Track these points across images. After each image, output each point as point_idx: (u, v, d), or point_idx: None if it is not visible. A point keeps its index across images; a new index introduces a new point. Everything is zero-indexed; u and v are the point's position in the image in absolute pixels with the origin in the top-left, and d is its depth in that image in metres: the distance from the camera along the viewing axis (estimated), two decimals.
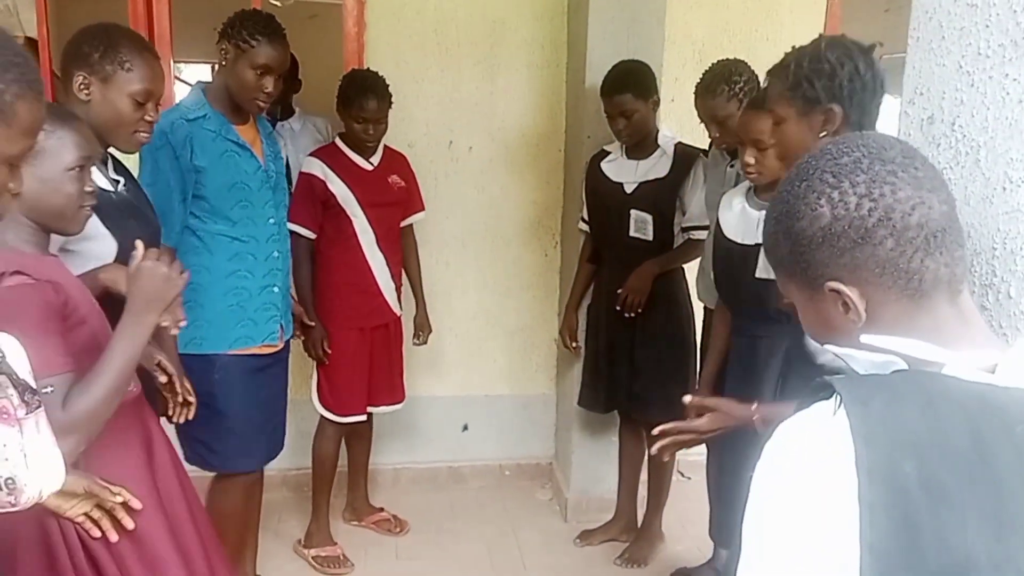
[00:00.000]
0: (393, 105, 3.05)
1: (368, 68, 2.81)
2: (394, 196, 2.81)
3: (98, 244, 1.64)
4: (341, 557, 2.83)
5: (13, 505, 1.12)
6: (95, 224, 1.60)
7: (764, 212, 1.90)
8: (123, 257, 1.64)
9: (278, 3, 5.58)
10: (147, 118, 1.73)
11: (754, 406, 1.67)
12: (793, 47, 1.54)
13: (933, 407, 0.73)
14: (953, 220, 0.80)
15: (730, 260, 2.11)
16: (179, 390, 1.73)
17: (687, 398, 1.71)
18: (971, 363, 0.77)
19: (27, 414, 1.10)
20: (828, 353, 1.21)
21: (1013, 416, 0.72)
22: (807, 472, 0.74)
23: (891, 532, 0.69)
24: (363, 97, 2.63)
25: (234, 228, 2.15)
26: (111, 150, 1.80)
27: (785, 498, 0.75)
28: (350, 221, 2.71)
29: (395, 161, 2.86)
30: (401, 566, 2.85)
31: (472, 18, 3.12)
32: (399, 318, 2.94)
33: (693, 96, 2.53)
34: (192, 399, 1.76)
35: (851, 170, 0.80)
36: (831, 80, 1.45)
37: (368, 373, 2.85)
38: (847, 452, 0.72)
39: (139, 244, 1.42)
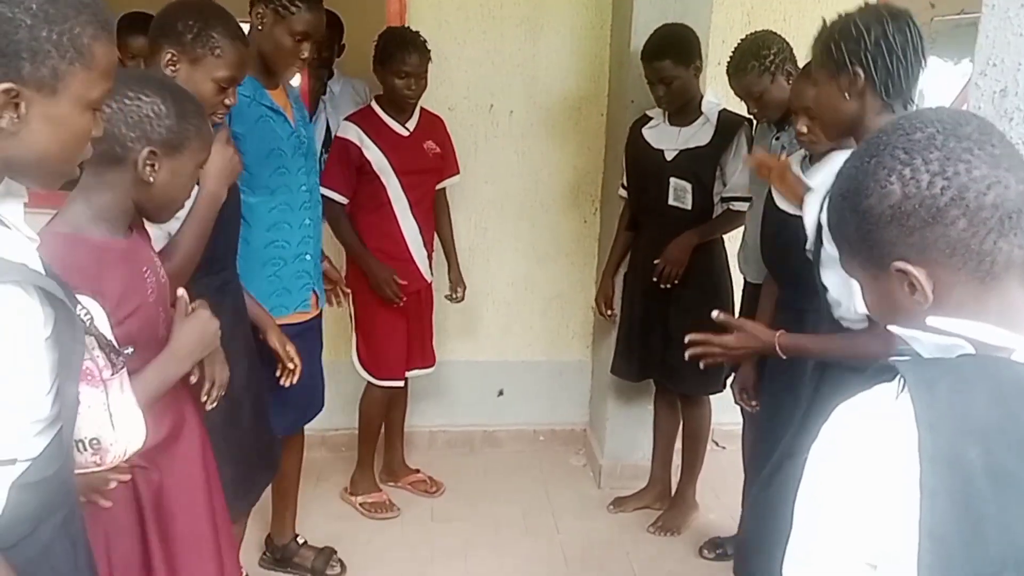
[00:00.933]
0: (434, 67, 3.03)
1: (406, 25, 2.79)
2: (429, 163, 2.80)
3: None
4: (387, 502, 2.94)
5: (98, 464, 1.14)
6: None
7: (810, 150, 1.91)
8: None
9: None
10: (226, 102, 1.74)
11: (778, 333, 1.81)
12: (839, 14, 1.58)
13: (1002, 393, 0.71)
14: None
15: (781, 231, 2.07)
16: (284, 358, 1.98)
17: (715, 313, 1.87)
18: None
19: (112, 375, 1.13)
20: (843, 307, 1.18)
21: None
22: (867, 456, 0.74)
23: (953, 519, 0.68)
24: (404, 51, 2.61)
25: (272, 197, 2.15)
26: None
27: (843, 481, 0.75)
28: (384, 187, 2.71)
29: (432, 126, 2.84)
30: (437, 527, 2.90)
31: None
32: (430, 284, 2.95)
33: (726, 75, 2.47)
34: (297, 363, 1.99)
35: (924, 146, 0.77)
36: (856, 44, 1.52)
37: (404, 338, 2.88)
38: (910, 437, 0.71)
39: (181, 292, 1.43)
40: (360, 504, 2.94)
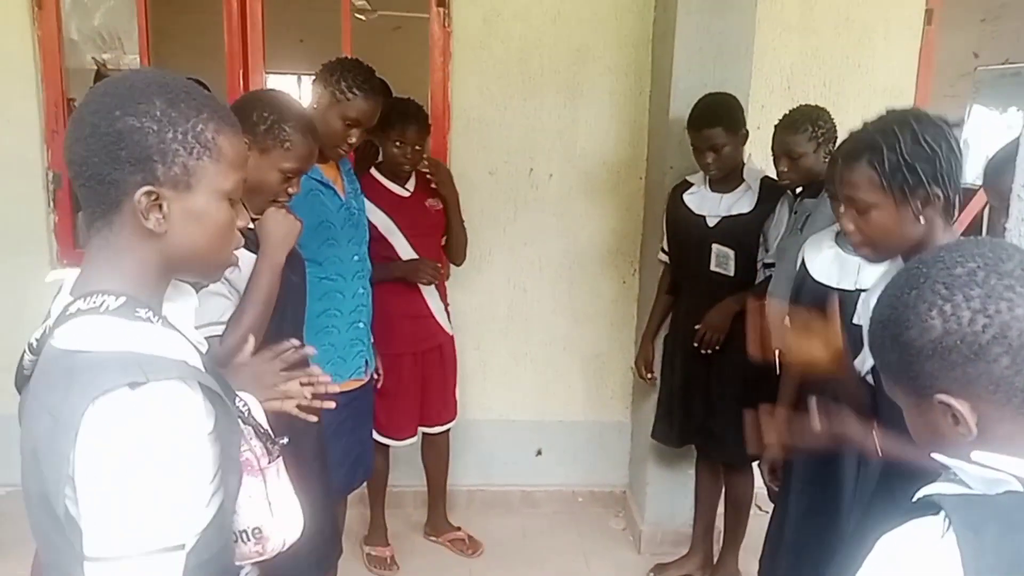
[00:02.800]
0: (475, 132, 3.11)
1: (409, 97, 2.84)
2: (432, 219, 2.85)
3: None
4: (388, 560, 2.97)
5: (260, 554, 1.17)
6: (245, 253, 1.68)
7: (861, 257, 1.86)
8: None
9: (363, 17, 5.70)
10: (290, 191, 1.77)
11: (875, 438, 1.51)
12: (865, 123, 1.46)
13: None
14: None
15: (820, 304, 2.06)
16: None
17: (812, 401, 1.57)
18: None
19: (269, 463, 1.16)
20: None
21: None
22: None
23: None
24: (403, 122, 2.67)
25: (321, 268, 2.20)
26: None
27: None
28: (394, 249, 2.75)
29: (428, 183, 2.88)
30: None
31: (556, 46, 3.13)
32: (451, 337, 2.98)
33: (773, 129, 2.50)
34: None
35: (965, 283, 0.77)
36: (931, 164, 1.38)
37: (420, 395, 2.91)
38: None
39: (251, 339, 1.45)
40: (366, 555, 2.98)
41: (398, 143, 2.70)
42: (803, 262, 2.13)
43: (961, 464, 0.80)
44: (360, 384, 2.34)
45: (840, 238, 2.08)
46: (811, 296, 2.09)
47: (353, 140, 2.18)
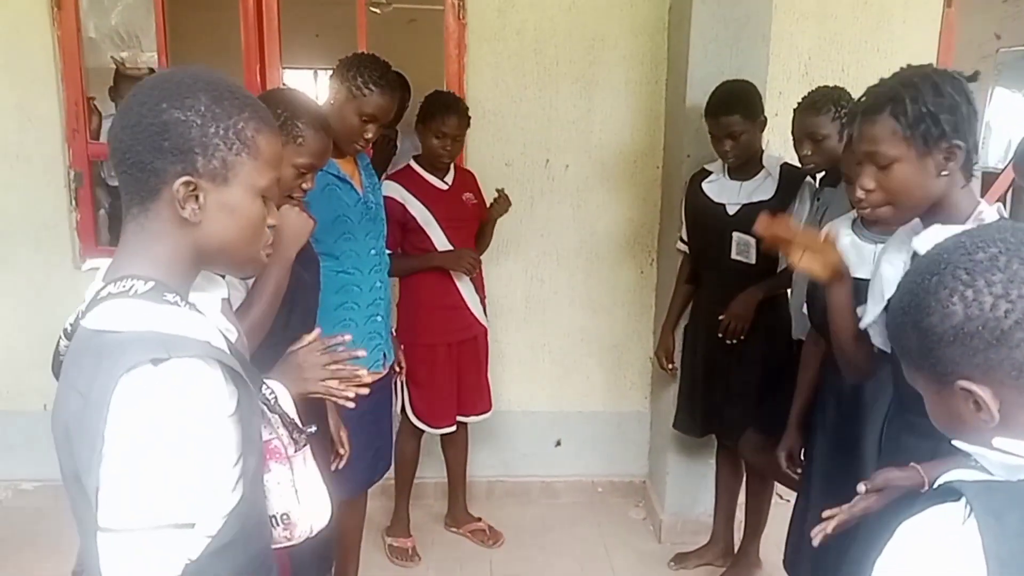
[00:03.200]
0: (491, 124, 3.11)
1: (449, 90, 2.90)
2: (469, 212, 2.89)
3: None
4: (410, 551, 2.99)
5: (288, 540, 1.19)
6: None
7: (879, 246, 1.85)
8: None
9: (377, 10, 5.70)
10: (304, 186, 1.77)
11: (919, 471, 1.40)
12: (882, 79, 1.43)
13: None
14: None
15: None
16: (337, 442, 2.01)
17: (861, 487, 1.44)
18: None
19: (296, 451, 1.18)
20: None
21: None
22: None
23: None
24: (445, 113, 2.71)
25: (338, 262, 2.22)
26: None
27: None
28: (430, 240, 2.78)
29: (466, 179, 2.93)
30: None
31: (571, 36, 3.12)
32: (486, 330, 3.01)
33: (793, 111, 2.46)
34: (347, 450, 2.02)
35: (987, 268, 0.77)
36: (953, 114, 1.35)
37: (457, 385, 2.93)
38: (978, 569, 0.70)
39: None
40: (388, 546, 3.01)
41: (438, 135, 2.72)
42: None
43: (982, 451, 0.80)
44: (379, 377, 2.35)
45: (857, 226, 2.06)
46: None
47: (370, 135, 2.19)
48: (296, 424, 1.17)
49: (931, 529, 0.75)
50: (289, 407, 1.19)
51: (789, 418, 2.27)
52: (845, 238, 2.07)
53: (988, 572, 0.69)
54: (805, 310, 2.17)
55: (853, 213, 2.11)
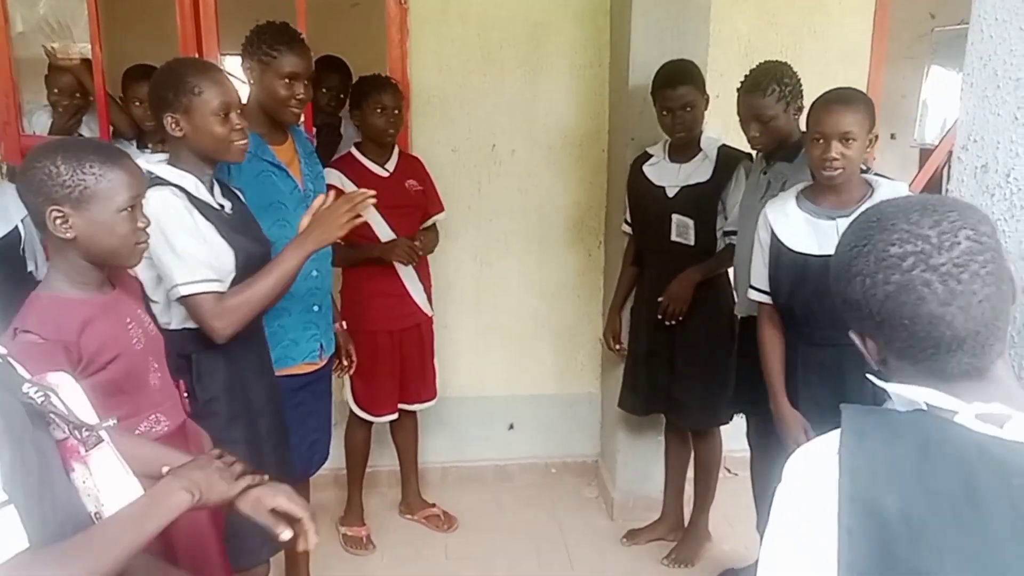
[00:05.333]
0: (436, 110, 3.10)
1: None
2: (412, 199, 2.87)
3: (219, 254, 1.80)
4: (364, 539, 3.00)
5: None
6: (212, 236, 1.78)
7: (839, 220, 1.92)
8: (242, 269, 1.82)
9: None
10: (236, 127, 1.84)
11: None
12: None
13: (928, 450, 0.77)
14: (985, 330, 0.81)
15: (805, 273, 2.06)
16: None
17: None
18: (984, 413, 0.80)
19: (87, 451, 1.15)
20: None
21: (1012, 469, 0.75)
22: (802, 494, 0.82)
23: (868, 556, 0.75)
24: (379, 89, 2.72)
25: (274, 249, 2.19)
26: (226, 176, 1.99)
27: (784, 516, 0.84)
28: (371, 228, 2.76)
29: (411, 165, 2.91)
30: (451, 565, 2.93)
31: (514, 21, 3.11)
32: (430, 319, 3.01)
33: (736, 91, 2.46)
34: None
35: (891, 265, 0.82)
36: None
37: (400, 373, 2.94)
38: (833, 478, 0.78)
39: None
40: (342, 535, 3.02)
41: (379, 109, 2.72)
42: (772, 233, 2.13)
43: (886, 385, 0.88)
44: (315, 368, 2.33)
45: (802, 200, 2.09)
46: (791, 267, 2.09)
47: (301, 94, 2.18)
48: (80, 423, 1.14)
49: (813, 449, 0.84)
50: (76, 403, 1.16)
51: (775, 402, 2.19)
52: (795, 214, 2.09)
53: (839, 481, 0.77)
54: (759, 287, 2.21)
55: (796, 188, 2.15)
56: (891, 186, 2.07)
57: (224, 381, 1.85)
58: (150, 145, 3.12)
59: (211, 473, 1.25)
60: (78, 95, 3.17)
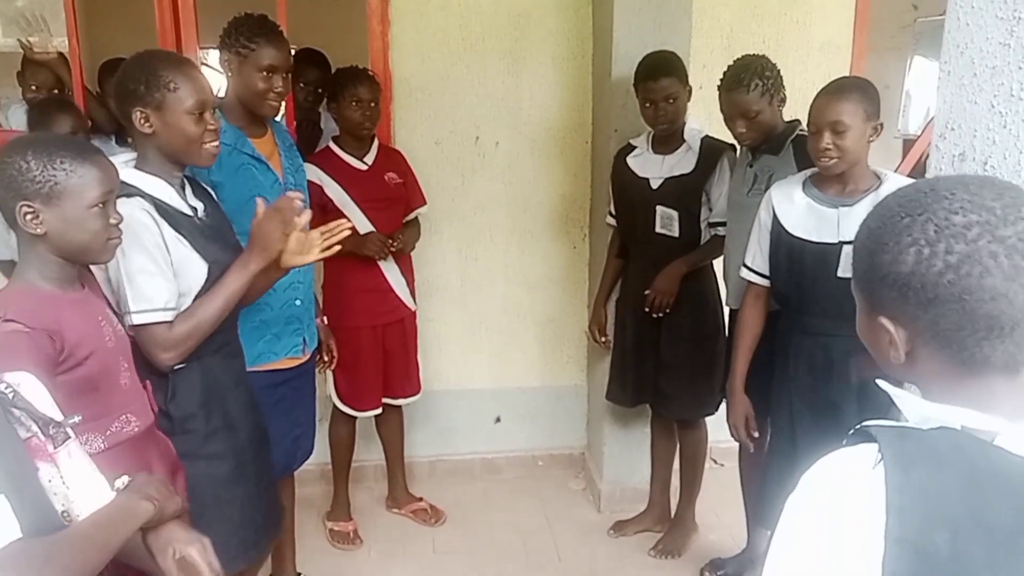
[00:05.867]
0: (418, 102, 3.08)
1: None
2: (391, 192, 2.84)
3: (190, 267, 1.74)
4: (351, 534, 2.99)
5: None
6: (183, 249, 1.72)
7: (841, 209, 1.92)
8: (212, 280, 1.76)
9: None
10: (209, 127, 1.76)
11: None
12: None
13: (977, 481, 0.72)
14: None
15: (801, 258, 2.06)
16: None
17: None
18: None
19: (55, 448, 1.14)
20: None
21: None
22: (835, 521, 0.75)
23: None
24: (354, 82, 2.68)
25: None
26: (197, 177, 1.91)
27: (810, 537, 0.76)
28: (349, 221, 2.72)
29: (390, 159, 2.88)
30: (439, 559, 2.92)
31: (497, 11, 3.10)
32: (414, 313, 3.00)
33: (718, 89, 2.45)
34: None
35: (954, 234, 0.75)
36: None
37: (383, 368, 2.93)
38: (877, 517, 0.72)
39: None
40: (329, 530, 3.01)
41: (355, 102, 2.69)
42: (775, 216, 2.13)
43: (904, 394, 0.82)
44: (297, 363, 2.31)
45: (809, 187, 2.09)
46: (789, 252, 2.09)
47: (279, 87, 2.15)
48: (48, 419, 1.13)
49: (841, 467, 0.77)
50: (40, 400, 1.15)
51: (732, 381, 2.29)
52: (799, 200, 2.08)
53: (887, 522, 0.71)
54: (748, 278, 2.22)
55: (802, 175, 2.14)
56: (900, 180, 2.04)
57: (200, 397, 1.80)
58: (130, 139, 3.09)
59: (161, 487, 1.25)
60: (56, 90, 3.13)
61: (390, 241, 2.76)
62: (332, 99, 2.75)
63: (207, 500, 1.74)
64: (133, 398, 1.56)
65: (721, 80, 2.44)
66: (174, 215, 1.75)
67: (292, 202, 1.77)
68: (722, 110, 2.43)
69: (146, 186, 1.73)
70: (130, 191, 1.69)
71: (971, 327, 0.75)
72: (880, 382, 0.85)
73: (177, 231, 1.74)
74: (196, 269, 1.75)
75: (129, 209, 1.63)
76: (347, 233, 1.92)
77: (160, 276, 1.70)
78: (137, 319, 1.68)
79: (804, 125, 2.37)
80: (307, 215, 1.86)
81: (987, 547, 0.70)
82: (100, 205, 1.43)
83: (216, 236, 1.84)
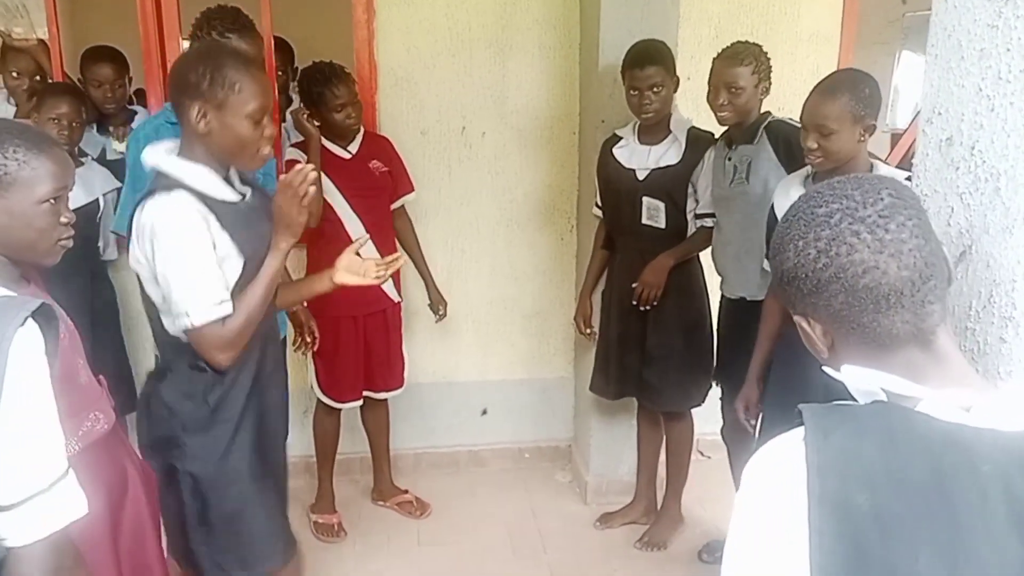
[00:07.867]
0: (404, 92, 3.05)
1: (313, 61, 2.77)
2: (376, 181, 2.81)
3: (229, 262, 1.65)
4: (335, 527, 2.98)
5: None
6: (225, 243, 1.63)
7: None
8: (247, 275, 1.67)
9: None
10: (266, 134, 1.67)
11: None
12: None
13: (895, 442, 0.76)
14: (919, 280, 0.81)
15: None
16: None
17: None
18: (947, 401, 0.79)
19: None
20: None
21: (980, 456, 0.74)
22: (768, 495, 0.79)
23: (841, 558, 0.72)
24: (331, 86, 2.64)
25: None
26: None
27: (749, 517, 0.81)
28: (334, 211, 2.71)
29: (376, 146, 2.85)
30: (424, 551, 2.91)
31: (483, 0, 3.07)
32: (398, 304, 2.96)
33: (712, 60, 2.47)
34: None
35: (820, 223, 0.83)
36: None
37: (365, 359, 2.90)
38: (801, 479, 0.76)
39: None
40: (313, 523, 2.99)
41: (337, 109, 2.66)
42: (771, 209, 2.17)
43: (838, 375, 0.88)
44: None
45: (808, 181, 2.10)
46: None
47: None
48: None
49: (776, 448, 0.82)
50: None
51: (751, 368, 2.33)
52: (797, 195, 2.09)
53: (808, 482, 0.74)
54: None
55: (804, 171, 2.14)
56: (889, 171, 2.08)
57: (248, 388, 1.75)
58: (111, 128, 3.05)
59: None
60: (37, 77, 3.08)
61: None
62: (312, 103, 2.68)
63: (248, 493, 1.74)
64: (96, 395, 1.53)
65: (718, 54, 2.47)
66: (218, 206, 1.65)
67: (299, 173, 1.64)
68: (710, 81, 2.48)
69: (189, 177, 1.63)
70: (171, 184, 1.60)
71: (858, 303, 0.82)
72: (825, 368, 0.91)
73: (220, 224, 1.64)
74: (234, 263, 1.66)
75: (180, 205, 1.56)
76: (401, 264, 1.97)
77: (211, 276, 1.61)
78: (198, 320, 1.60)
79: (777, 115, 2.45)
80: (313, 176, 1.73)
81: (906, 505, 0.73)
82: (51, 201, 1.34)
83: (258, 220, 1.73)
